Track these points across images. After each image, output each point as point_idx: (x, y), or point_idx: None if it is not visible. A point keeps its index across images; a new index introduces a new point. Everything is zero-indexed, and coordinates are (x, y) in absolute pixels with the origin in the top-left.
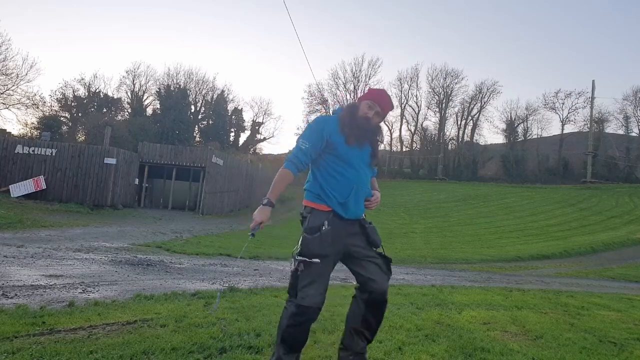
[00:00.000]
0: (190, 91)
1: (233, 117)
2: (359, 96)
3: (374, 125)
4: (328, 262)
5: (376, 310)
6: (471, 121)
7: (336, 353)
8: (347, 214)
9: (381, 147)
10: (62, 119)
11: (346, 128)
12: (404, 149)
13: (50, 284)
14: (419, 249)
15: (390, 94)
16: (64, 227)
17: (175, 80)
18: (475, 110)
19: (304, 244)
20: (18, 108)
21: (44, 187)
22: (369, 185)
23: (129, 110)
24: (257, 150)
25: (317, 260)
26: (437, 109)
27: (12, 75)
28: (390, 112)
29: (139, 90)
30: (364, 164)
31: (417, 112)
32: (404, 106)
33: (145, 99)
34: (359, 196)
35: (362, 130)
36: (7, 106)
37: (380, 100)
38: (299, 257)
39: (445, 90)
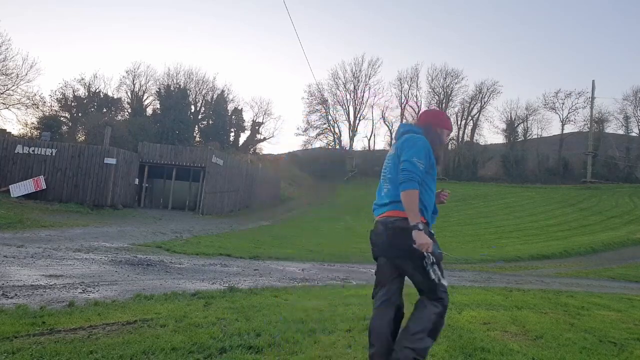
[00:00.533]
0: (190, 91)
1: (233, 117)
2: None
3: None
4: None
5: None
6: (471, 121)
7: (337, 353)
8: (430, 224)
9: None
10: (62, 119)
11: (436, 151)
12: None
13: (50, 284)
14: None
15: (391, 93)
16: (64, 227)
17: (175, 80)
18: (475, 110)
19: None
20: (18, 108)
21: (44, 187)
22: None
23: (129, 110)
24: (257, 150)
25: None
26: (437, 109)
27: (12, 75)
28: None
29: (139, 90)
30: None
31: (417, 112)
32: (404, 106)
33: (145, 99)
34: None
35: (441, 152)
36: (7, 106)
37: (451, 130)
38: (434, 260)
39: (445, 90)
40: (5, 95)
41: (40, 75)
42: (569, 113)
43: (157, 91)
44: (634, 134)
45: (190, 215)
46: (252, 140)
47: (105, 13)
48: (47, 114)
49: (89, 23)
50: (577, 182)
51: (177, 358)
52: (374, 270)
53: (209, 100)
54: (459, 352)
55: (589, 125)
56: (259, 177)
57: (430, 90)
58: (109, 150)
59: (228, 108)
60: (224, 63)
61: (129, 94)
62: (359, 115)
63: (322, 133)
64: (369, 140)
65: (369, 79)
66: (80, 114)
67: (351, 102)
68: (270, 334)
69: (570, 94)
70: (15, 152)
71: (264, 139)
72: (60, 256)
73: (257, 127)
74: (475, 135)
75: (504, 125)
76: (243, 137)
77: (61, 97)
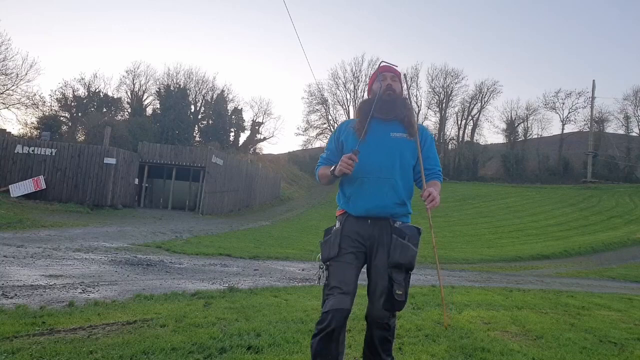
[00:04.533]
0: (190, 91)
1: (233, 117)
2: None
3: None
4: None
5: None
6: (471, 121)
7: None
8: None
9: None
10: (62, 118)
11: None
12: None
13: (50, 284)
14: (419, 249)
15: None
16: (64, 227)
17: (175, 80)
18: (475, 110)
19: None
20: (18, 108)
21: (44, 187)
22: None
23: (129, 110)
24: (257, 150)
25: None
26: (437, 109)
27: (12, 75)
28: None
29: (138, 90)
30: None
31: (417, 112)
32: None
33: (145, 99)
34: None
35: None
36: (7, 106)
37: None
38: None
39: (445, 90)
40: (5, 95)
41: (40, 75)
42: (569, 113)
43: (157, 91)
44: (634, 134)
45: (190, 215)
46: (252, 140)
47: (105, 13)
48: (47, 113)
49: (89, 23)
50: (578, 182)
51: (177, 358)
52: None
53: (209, 100)
54: (459, 352)
55: (589, 125)
56: (259, 177)
57: (430, 90)
58: (108, 150)
59: (228, 108)
60: (224, 63)
61: (128, 93)
62: None
63: (322, 133)
64: None
65: (369, 79)
66: (80, 114)
67: (351, 102)
68: (270, 334)
69: (570, 93)
70: (15, 152)
71: (264, 139)
72: (60, 256)
73: (257, 127)
74: (476, 135)
75: (504, 125)
76: (243, 137)
77: (61, 97)
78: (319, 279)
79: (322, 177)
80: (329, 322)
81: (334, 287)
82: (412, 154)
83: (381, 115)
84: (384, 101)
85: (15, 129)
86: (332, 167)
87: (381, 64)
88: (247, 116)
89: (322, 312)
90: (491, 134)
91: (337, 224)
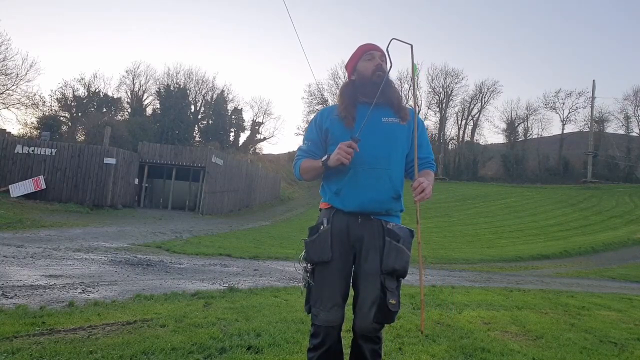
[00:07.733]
0: (190, 91)
1: (233, 117)
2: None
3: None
4: None
5: None
6: (471, 121)
7: None
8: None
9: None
10: (61, 118)
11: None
12: None
13: (50, 284)
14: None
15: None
16: (64, 227)
17: (175, 80)
18: (475, 110)
19: None
20: (18, 108)
21: (44, 187)
22: None
23: (129, 110)
24: (257, 150)
25: None
26: (437, 109)
27: (12, 75)
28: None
29: (138, 90)
30: None
31: (417, 112)
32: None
33: (145, 99)
34: None
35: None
36: (7, 106)
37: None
38: None
39: (445, 90)
40: (5, 95)
41: (40, 75)
42: (569, 113)
43: (157, 91)
44: (634, 134)
45: (190, 215)
46: (252, 140)
47: (105, 13)
48: (47, 113)
49: (89, 23)
50: (578, 182)
51: (177, 358)
52: None
53: (209, 100)
54: (459, 352)
55: (589, 125)
56: (259, 177)
57: (430, 90)
58: (108, 150)
59: (228, 108)
60: (224, 63)
61: (128, 93)
62: None
63: None
64: None
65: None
66: (80, 114)
67: None
68: (270, 334)
69: (570, 93)
70: (15, 152)
71: (264, 138)
72: (59, 256)
73: (257, 127)
74: (476, 135)
75: (504, 125)
76: (243, 137)
77: (61, 96)
78: (306, 281)
79: (306, 172)
80: (323, 339)
81: (324, 298)
82: (406, 140)
83: (369, 99)
84: (374, 83)
85: (15, 129)
86: (324, 157)
87: (391, 42)
88: (247, 116)
89: (313, 323)
90: (491, 134)
91: (325, 222)
